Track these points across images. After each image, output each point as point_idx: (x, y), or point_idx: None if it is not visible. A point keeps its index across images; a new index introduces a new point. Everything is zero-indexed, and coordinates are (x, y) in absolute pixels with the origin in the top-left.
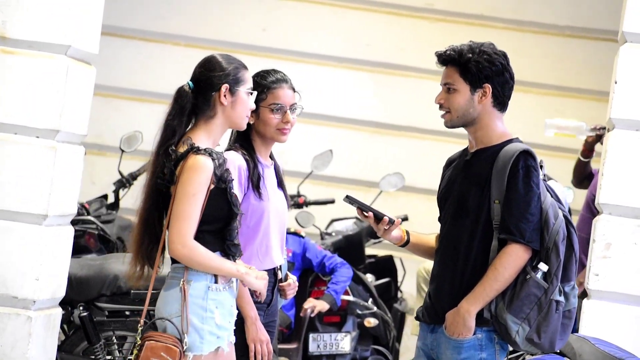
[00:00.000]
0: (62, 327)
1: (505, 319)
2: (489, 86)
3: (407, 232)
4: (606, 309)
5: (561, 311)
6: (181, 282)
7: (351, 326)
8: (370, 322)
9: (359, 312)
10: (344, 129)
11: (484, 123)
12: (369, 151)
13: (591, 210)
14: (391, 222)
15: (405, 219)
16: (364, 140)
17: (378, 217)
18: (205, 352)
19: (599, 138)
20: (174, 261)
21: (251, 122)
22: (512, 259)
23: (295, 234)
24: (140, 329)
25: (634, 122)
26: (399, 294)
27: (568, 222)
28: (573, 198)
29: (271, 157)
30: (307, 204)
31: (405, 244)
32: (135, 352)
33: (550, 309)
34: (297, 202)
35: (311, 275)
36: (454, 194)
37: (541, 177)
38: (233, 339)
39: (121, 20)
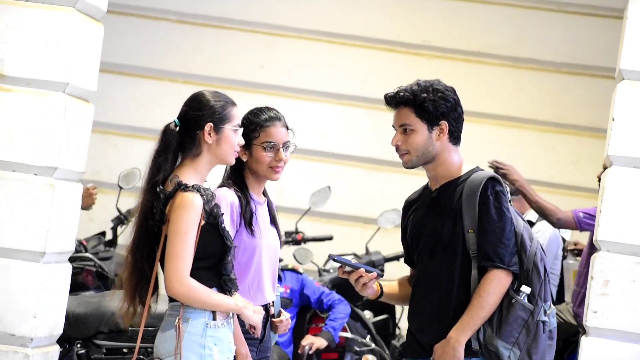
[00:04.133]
0: None
1: (495, 346)
2: (446, 123)
3: (380, 285)
4: (604, 346)
5: (547, 331)
6: (177, 320)
7: None
8: (369, 358)
9: (357, 348)
10: (341, 165)
11: (443, 159)
12: (366, 188)
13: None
14: (379, 275)
15: (403, 255)
16: (361, 177)
17: (368, 271)
18: None
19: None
20: (171, 299)
21: (244, 160)
22: (494, 285)
23: (293, 270)
24: None
25: (631, 160)
26: (397, 331)
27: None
28: (571, 234)
29: (264, 193)
30: (305, 240)
31: (379, 296)
32: None
33: (538, 331)
34: (295, 239)
35: (309, 311)
36: (427, 232)
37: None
38: None
39: (119, 57)
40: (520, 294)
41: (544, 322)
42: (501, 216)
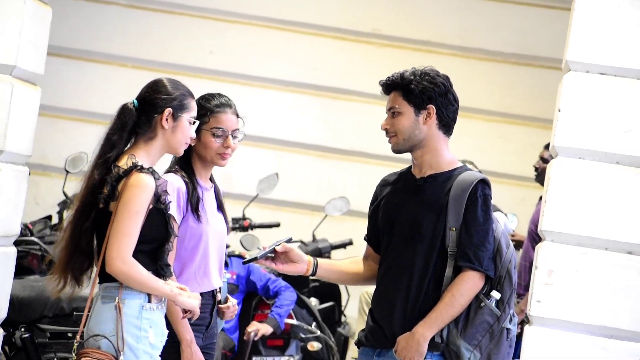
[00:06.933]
0: (3, 349)
1: (457, 346)
2: (433, 107)
3: (313, 264)
4: (547, 335)
5: (510, 339)
6: (116, 301)
7: (294, 350)
8: (314, 346)
9: (303, 335)
10: (290, 152)
11: (432, 146)
12: (314, 175)
13: (533, 239)
14: (277, 246)
15: (350, 243)
16: (309, 164)
17: (271, 256)
18: None
19: None
20: (105, 279)
21: (192, 145)
22: (468, 286)
23: (240, 256)
24: (75, 345)
25: (576, 150)
26: (343, 318)
27: None
28: (517, 224)
29: (211, 180)
30: (252, 227)
31: (312, 273)
32: None
33: (501, 337)
34: (242, 225)
35: (255, 298)
36: (405, 218)
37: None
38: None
39: (67, 40)
40: (490, 298)
41: (508, 329)
42: (486, 220)
